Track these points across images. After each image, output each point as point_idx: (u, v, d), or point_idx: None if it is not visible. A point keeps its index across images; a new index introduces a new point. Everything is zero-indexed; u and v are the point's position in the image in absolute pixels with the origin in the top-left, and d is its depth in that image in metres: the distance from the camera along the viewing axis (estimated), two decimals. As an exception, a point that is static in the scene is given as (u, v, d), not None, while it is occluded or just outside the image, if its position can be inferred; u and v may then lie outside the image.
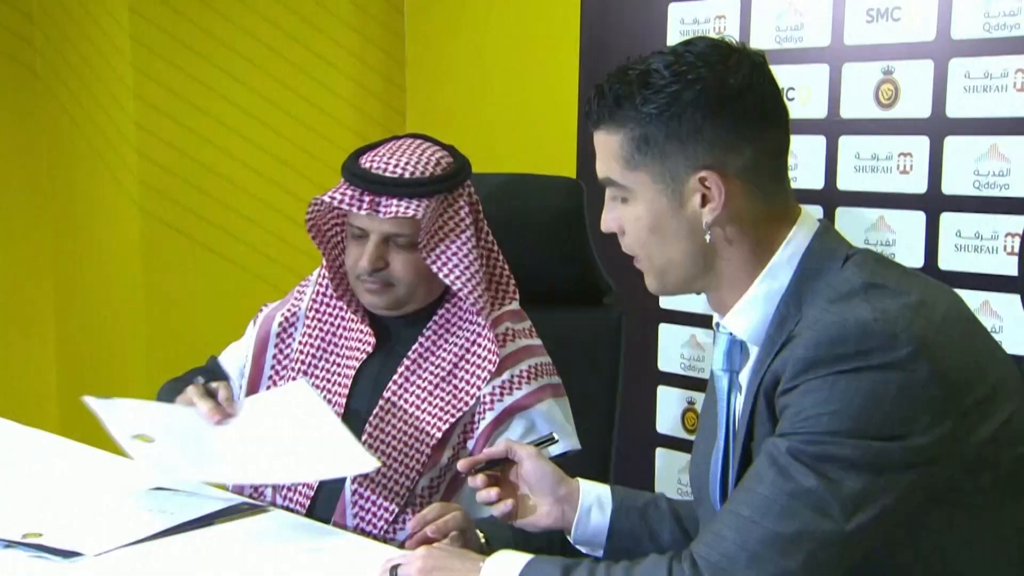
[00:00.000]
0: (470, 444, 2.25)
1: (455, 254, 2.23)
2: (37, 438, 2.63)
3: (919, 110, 3.04)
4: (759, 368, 1.63)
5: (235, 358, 2.49)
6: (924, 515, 1.53)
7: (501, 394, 2.23)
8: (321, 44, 4.51)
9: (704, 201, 1.62)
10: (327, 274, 2.37)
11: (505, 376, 2.24)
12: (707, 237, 1.63)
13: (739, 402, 1.71)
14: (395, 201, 2.19)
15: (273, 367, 2.41)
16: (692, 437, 3.57)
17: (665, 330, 3.55)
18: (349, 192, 2.23)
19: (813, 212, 1.74)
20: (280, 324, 2.42)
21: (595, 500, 1.87)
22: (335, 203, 2.23)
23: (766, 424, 1.59)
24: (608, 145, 1.66)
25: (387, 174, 2.21)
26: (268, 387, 2.39)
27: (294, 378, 2.35)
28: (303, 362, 2.37)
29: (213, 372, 2.46)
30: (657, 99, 1.60)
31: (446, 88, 4.53)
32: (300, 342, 2.38)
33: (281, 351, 2.41)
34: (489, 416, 2.22)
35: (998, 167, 2.91)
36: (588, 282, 2.61)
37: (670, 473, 3.61)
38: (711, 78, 1.60)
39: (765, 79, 1.65)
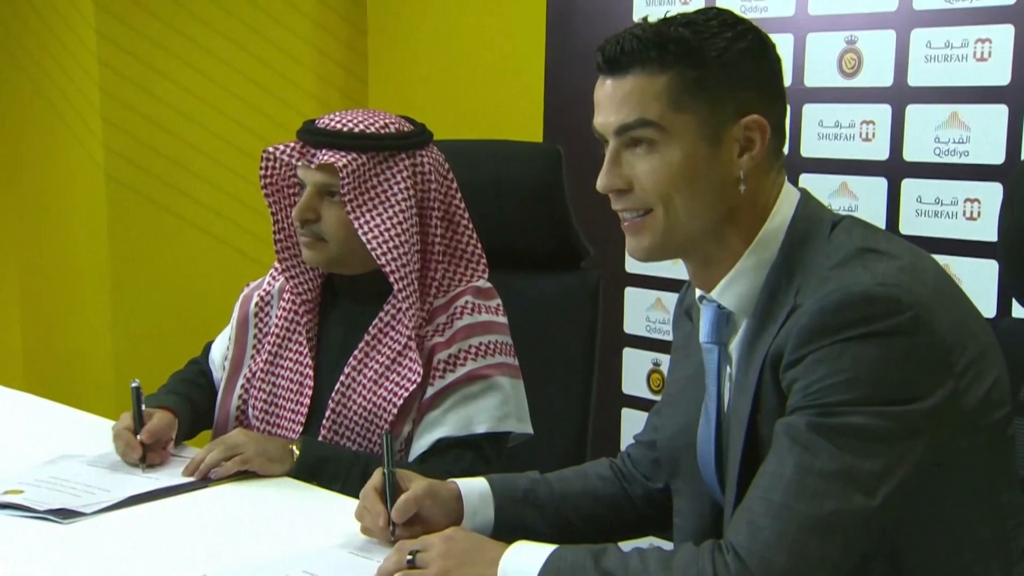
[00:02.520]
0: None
1: (380, 216, 2.17)
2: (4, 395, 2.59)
3: (881, 79, 3.03)
4: (753, 339, 1.60)
5: (222, 340, 2.48)
6: (928, 481, 1.50)
7: (444, 370, 2.18)
8: (282, 11, 4.43)
9: (741, 151, 1.59)
10: (274, 233, 2.34)
11: (453, 349, 2.19)
12: (742, 188, 1.59)
13: (729, 375, 1.68)
14: (325, 151, 2.17)
15: (254, 346, 2.38)
16: (657, 398, 3.60)
17: (631, 293, 3.54)
18: (292, 144, 2.23)
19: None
20: (257, 304, 2.40)
21: (478, 499, 1.83)
22: (277, 153, 2.23)
23: (773, 397, 1.55)
24: (648, 86, 1.58)
25: (327, 128, 2.20)
26: (249, 366, 2.37)
27: (273, 351, 2.34)
28: (278, 336, 2.34)
29: (190, 380, 2.45)
30: (713, 44, 1.57)
31: (408, 54, 4.46)
32: (275, 320, 2.36)
33: (260, 330, 2.38)
34: (430, 392, 2.18)
35: (958, 135, 2.91)
36: (567, 247, 2.58)
37: (636, 432, 3.60)
38: (753, 37, 1.61)
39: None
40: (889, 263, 1.52)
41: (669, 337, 3.51)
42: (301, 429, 2.26)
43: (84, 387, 4.28)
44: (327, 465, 2.11)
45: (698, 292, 1.72)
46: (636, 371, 3.57)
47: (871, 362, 1.46)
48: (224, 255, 4.39)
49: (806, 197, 1.67)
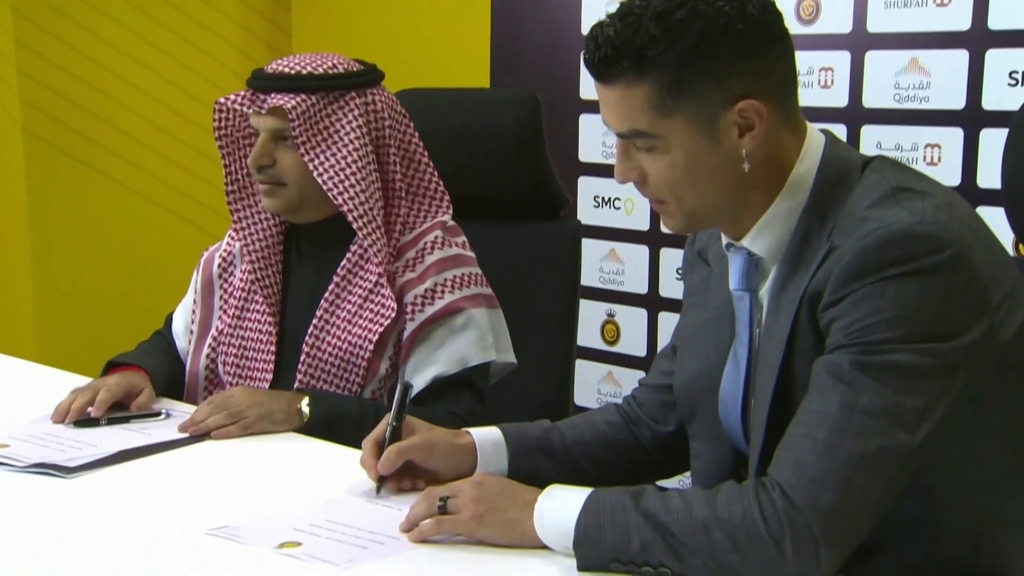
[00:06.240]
0: None
1: (334, 156, 2.19)
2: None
3: (840, 25, 3.07)
4: (784, 283, 1.61)
5: (183, 310, 2.46)
6: (961, 416, 1.53)
7: (423, 304, 2.20)
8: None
9: (741, 132, 1.58)
10: (226, 185, 2.33)
11: (428, 284, 2.21)
12: (745, 166, 1.59)
13: (758, 320, 1.69)
14: (274, 95, 2.19)
15: (221, 307, 2.38)
16: (611, 349, 3.65)
17: (584, 244, 3.55)
18: (243, 93, 2.24)
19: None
20: (220, 265, 2.40)
21: (492, 449, 1.85)
22: (229, 103, 2.24)
23: (809, 337, 1.57)
24: (631, 97, 1.57)
25: (275, 72, 2.22)
26: (217, 325, 2.36)
27: (239, 306, 2.34)
28: (243, 290, 2.34)
29: (149, 351, 2.42)
30: (684, 40, 1.53)
31: (333, 2, 4.44)
32: (239, 276, 2.36)
33: (225, 290, 2.38)
34: (410, 327, 2.20)
35: (918, 80, 2.97)
36: (546, 196, 2.59)
37: (589, 384, 3.64)
38: (731, 9, 1.55)
39: None
40: (925, 201, 1.54)
41: (623, 288, 3.57)
42: (271, 377, 2.26)
43: (5, 348, 4.18)
44: (339, 422, 2.10)
45: (725, 240, 1.72)
46: (589, 322, 3.59)
47: (913, 300, 1.48)
48: (148, 211, 4.32)
49: (832, 139, 1.67)
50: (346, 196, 2.19)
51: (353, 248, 2.25)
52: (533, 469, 1.85)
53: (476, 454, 1.83)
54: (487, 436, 1.86)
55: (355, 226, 2.19)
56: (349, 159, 2.20)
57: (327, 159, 2.19)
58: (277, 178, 2.22)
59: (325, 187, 2.18)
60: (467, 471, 1.80)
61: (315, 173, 2.18)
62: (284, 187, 2.22)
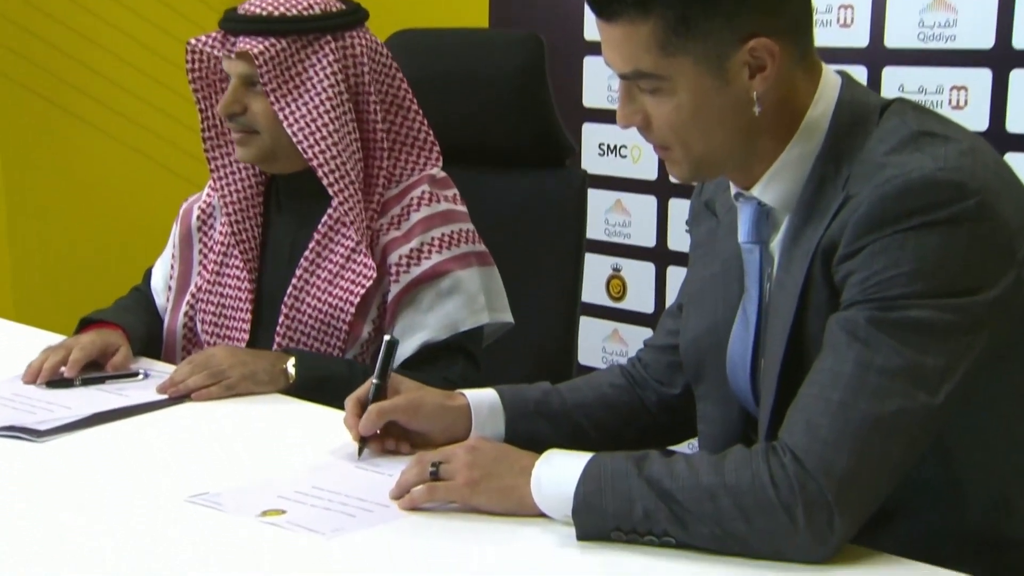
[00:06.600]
0: None
1: (305, 105, 2.16)
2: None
3: (861, -40, 3.06)
4: (796, 235, 1.59)
5: (162, 264, 2.45)
6: (984, 374, 1.51)
7: (408, 265, 2.18)
8: None
9: (752, 73, 1.55)
10: (203, 131, 2.32)
11: (414, 243, 2.19)
12: (756, 110, 1.57)
13: (769, 274, 1.67)
14: (243, 38, 2.16)
15: (200, 262, 2.37)
16: (616, 305, 3.64)
17: (589, 195, 3.53)
18: (214, 34, 2.21)
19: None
20: (199, 217, 2.38)
21: (487, 411, 1.84)
22: (200, 44, 2.22)
23: (823, 291, 1.55)
24: (634, 35, 1.54)
25: (246, 13, 2.19)
26: (196, 282, 2.35)
27: (218, 261, 2.32)
28: (223, 244, 2.33)
29: (127, 307, 2.41)
30: None
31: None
32: (220, 231, 2.34)
33: (205, 244, 2.37)
34: (394, 289, 2.18)
35: (944, 18, 2.93)
36: (550, 143, 2.56)
37: (594, 342, 3.63)
38: None
39: None
40: (949, 146, 1.51)
41: (629, 241, 3.56)
42: (247, 338, 2.25)
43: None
44: (326, 384, 2.09)
45: (734, 189, 1.69)
46: (594, 277, 3.57)
47: (934, 252, 1.46)
48: (126, 157, 4.31)
49: (849, 81, 1.64)
50: (316, 150, 2.15)
51: (335, 203, 2.22)
52: (531, 433, 1.83)
53: (470, 417, 1.82)
54: (482, 398, 1.84)
55: (325, 182, 2.16)
56: (321, 108, 2.16)
57: (297, 108, 2.16)
58: (249, 126, 2.19)
59: (295, 139, 2.15)
60: (461, 435, 1.80)
61: (285, 123, 2.15)
62: (257, 135, 2.20)
